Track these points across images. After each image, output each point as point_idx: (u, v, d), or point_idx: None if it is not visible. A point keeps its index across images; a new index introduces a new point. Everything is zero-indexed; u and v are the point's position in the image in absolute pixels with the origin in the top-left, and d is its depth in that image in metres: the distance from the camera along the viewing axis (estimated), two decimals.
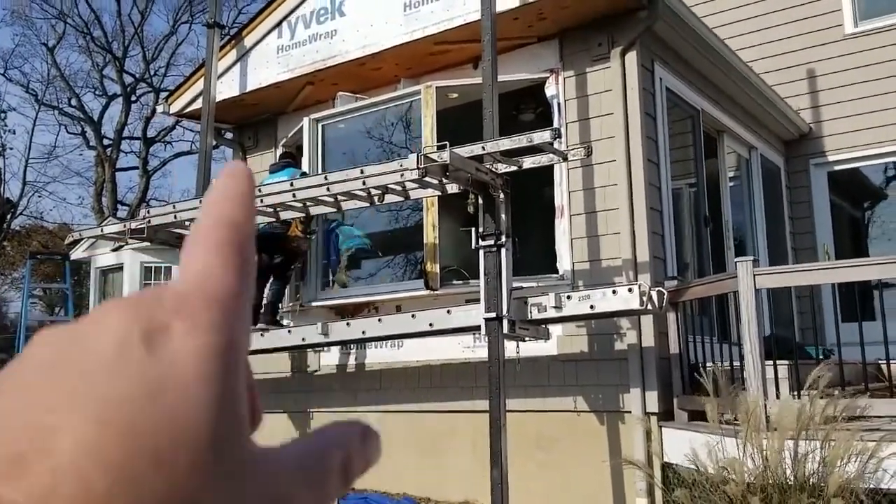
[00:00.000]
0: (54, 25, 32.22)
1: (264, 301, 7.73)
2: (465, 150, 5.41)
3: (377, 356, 7.58)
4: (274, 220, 6.88)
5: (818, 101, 10.12)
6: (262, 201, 6.36)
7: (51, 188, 37.48)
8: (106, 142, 32.46)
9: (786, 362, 5.65)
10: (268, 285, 7.75)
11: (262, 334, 7.22)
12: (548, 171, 6.65)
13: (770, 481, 4.13)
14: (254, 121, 8.91)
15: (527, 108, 8.81)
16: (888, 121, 9.54)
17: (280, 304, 7.83)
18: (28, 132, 42.63)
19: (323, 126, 7.94)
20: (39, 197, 42.13)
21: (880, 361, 5.83)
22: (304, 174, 7.42)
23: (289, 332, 7.00)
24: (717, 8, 10.30)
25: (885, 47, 9.68)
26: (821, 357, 5.46)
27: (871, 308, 8.23)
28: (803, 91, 10.17)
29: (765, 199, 9.26)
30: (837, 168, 10.08)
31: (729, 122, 8.44)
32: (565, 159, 5.60)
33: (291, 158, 7.85)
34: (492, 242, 5.63)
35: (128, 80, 32.29)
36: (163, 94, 32.33)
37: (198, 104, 8.51)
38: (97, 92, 33.30)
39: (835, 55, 9.97)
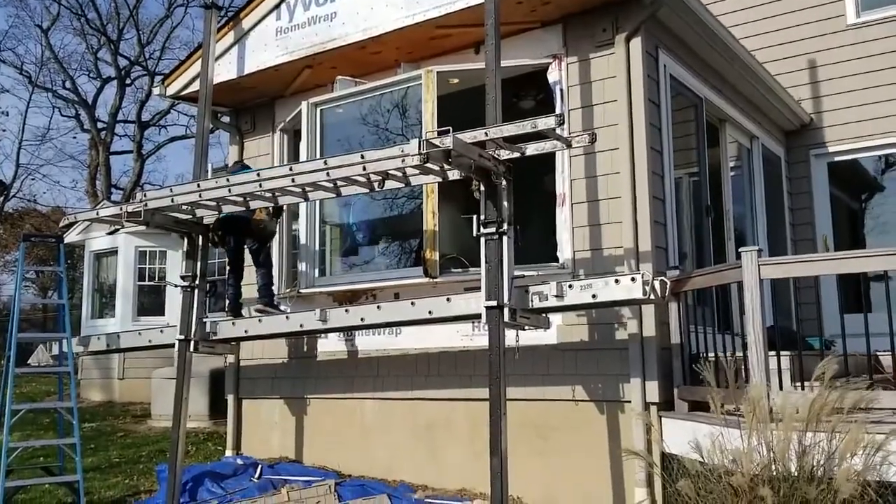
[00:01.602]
0: (48, 7, 31.97)
1: (256, 286, 7.72)
2: (468, 136, 5.33)
3: (375, 343, 7.53)
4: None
5: (819, 91, 10.07)
6: (260, 185, 6.27)
7: (44, 171, 37.23)
8: (100, 125, 32.24)
9: (787, 353, 5.60)
10: (256, 274, 7.76)
11: (259, 320, 7.17)
12: (548, 158, 6.58)
13: (775, 473, 4.09)
14: (251, 104, 8.81)
15: (526, 95, 8.74)
16: (889, 112, 9.50)
17: (272, 287, 7.78)
18: (22, 114, 42.21)
19: (322, 110, 7.85)
20: (33, 180, 41.87)
21: (878, 353, 5.80)
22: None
23: (287, 318, 6.93)
24: None
25: (887, 38, 9.62)
26: (822, 348, 5.41)
27: (870, 300, 8.21)
28: (804, 81, 10.11)
29: (765, 189, 9.21)
30: (838, 159, 10.05)
31: (731, 111, 8.37)
32: (569, 146, 5.53)
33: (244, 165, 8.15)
34: (493, 230, 5.56)
35: (122, 62, 32.06)
36: (158, 78, 32.09)
37: (195, 87, 8.39)
38: (91, 75, 33.08)
39: (836, 45, 9.92)
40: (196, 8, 32.45)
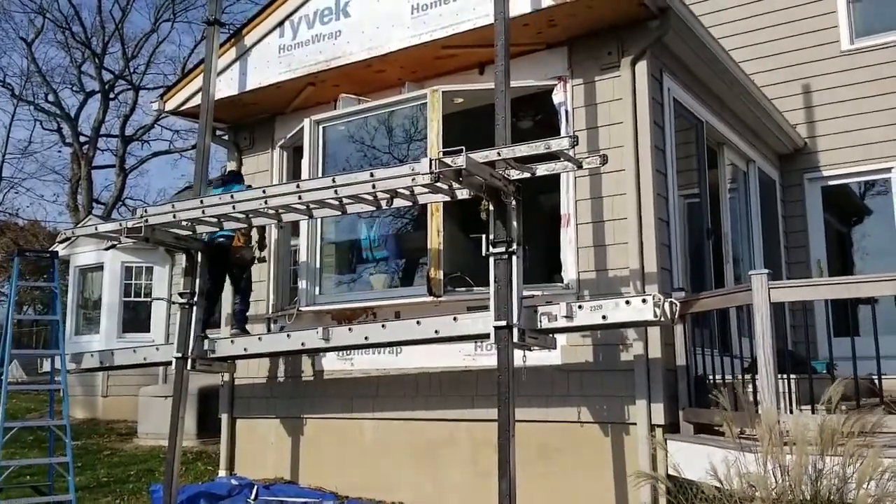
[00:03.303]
0: (33, 19, 31.74)
1: (233, 310, 7.87)
2: (480, 156, 5.32)
3: (375, 362, 7.46)
4: (217, 229, 6.98)
5: (813, 116, 10.20)
6: (266, 202, 6.23)
7: (28, 184, 36.76)
8: (83, 139, 31.96)
9: (795, 376, 5.62)
10: (234, 299, 7.90)
11: (259, 338, 7.10)
12: (553, 178, 6.57)
13: (790, 498, 4.07)
14: (250, 121, 8.76)
15: (525, 115, 8.76)
16: (882, 137, 9.63)
17: (247, 313, 7.83)
18: (5, 127, 41.83)
19: (324, 128, 7.82)
20: (17, 193, 41.37)
21: (873, 376, 5.83)
22: (248, 187, 7.55)
23: (288, 336, 6.86)
24: (717, 20, 10.30)
25: (881, 65, 9.77)
26: (831, 372, 5.43)
27: (858, 323, 8.28)
28: (799, 106, 10.24)
29: (760, 212, 9.29)
30: (831, 183, 10.16)
31: (730, 134, 8.45)
32: (580, 167, 5.54)
33: (237, 175, 8.14)
34: (503, 250, 5.54)
35: (106, 76, 31.86)
36: (143, 92, 32.01)
37: (194, 102, 8.35)
38: (75, 88, 32.83)
39: (831, 71, 10.06)
40: (182, 24, 32.53)
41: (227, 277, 7.83)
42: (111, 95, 32.21)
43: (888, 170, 9.73)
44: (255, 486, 7.57)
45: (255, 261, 7.85)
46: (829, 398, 4.38)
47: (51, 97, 32.14)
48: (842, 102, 9.93)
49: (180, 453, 7.20)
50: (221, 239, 7.40)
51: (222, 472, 8.41)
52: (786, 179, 10.31)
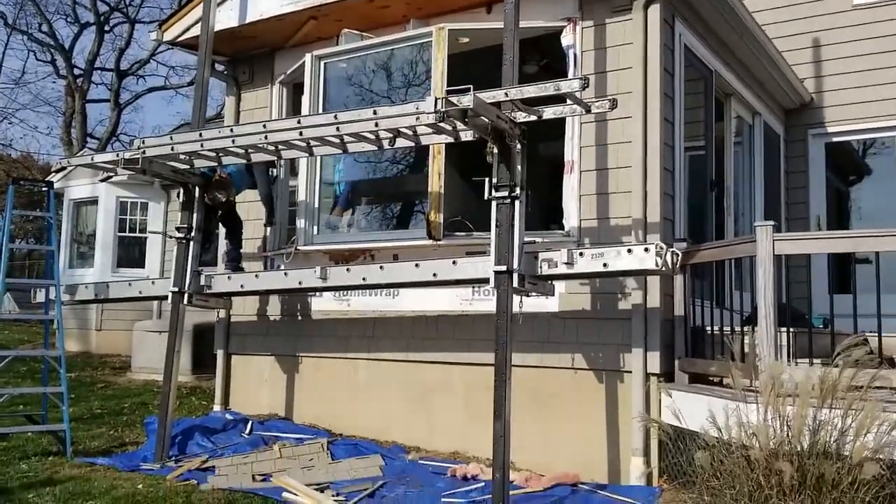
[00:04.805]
0: None
1: (226, 249, 8.01)
2: (487, 96, 5.21)
3: (371, 304, 7.44)
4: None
5: (821, 71, 10.03)
6: (266, 137, 6.13)
7: (21, 115, 36.13)
8: (77, 72, 31.44)
9: (795, 329, 5.62)
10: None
11: (256, 275, 7.05)
12: (556, 125, 6.46)
13: (787, 448, 4.09)
14: (250, 55, 8.58)
15: (530, 60, 8.60)
16: (890, 95, 9.49)
17: (239, 251, 8.00)
18: None
19: (325, 64, 7.66)
20: (10, 124, 40.80)
21: (865, 334, 5.83)
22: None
23: (285, 274, 6.82)
24: None
25: (892, 20, 9.58)
26: (832, 328, 5.42)
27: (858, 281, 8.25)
28: (806, 60, 10.05)
29: (764, 166, 9.21)
30: (836, 140, 10.05)
31: (738, 85, 8.32)
32: (588, 111, 5.43)
33: None
34: (506, 194, 5.46)
35: (102, 8, 31.16)
36: (138, 26, 31.43)
37: (193, 32, 8.15)
38: (69, 19, 32.16)
39: (841, 25, 9.86)
40: None
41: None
42: (106, 28, 31.60)
43: (894, 128, 9.61)
44: (250, 422, 7.62)
45: (231, 204, 7.80)
46: (841, 352, 4.34)
47: (45, 27, 31.52)
48: (851, 58, 9.75)
49: (176, 386, 7.21)
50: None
51: (217, 407, 8.46)
52: (790, 134, 10.20)
